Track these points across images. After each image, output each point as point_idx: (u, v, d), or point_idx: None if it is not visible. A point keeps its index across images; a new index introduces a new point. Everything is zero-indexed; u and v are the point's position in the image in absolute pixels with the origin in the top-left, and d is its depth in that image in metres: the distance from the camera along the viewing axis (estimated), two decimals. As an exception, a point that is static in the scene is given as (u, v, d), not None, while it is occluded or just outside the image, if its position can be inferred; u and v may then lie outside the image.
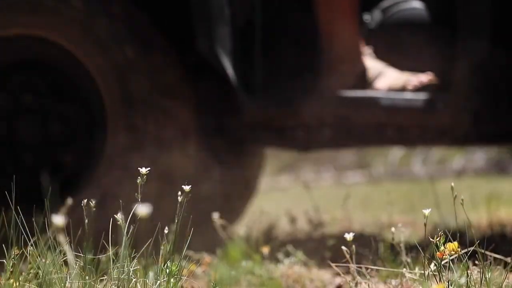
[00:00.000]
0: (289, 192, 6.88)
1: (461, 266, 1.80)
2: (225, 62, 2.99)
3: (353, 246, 1.94)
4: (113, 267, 1.78)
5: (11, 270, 1.80)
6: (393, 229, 2.10)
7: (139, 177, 1.82)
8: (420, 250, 1.87)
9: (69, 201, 2.37)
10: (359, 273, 2.04)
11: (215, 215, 2.86)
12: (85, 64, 3.02)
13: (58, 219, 1.60)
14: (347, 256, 1.97)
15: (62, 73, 3.13)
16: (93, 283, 1.76)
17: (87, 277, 1.76)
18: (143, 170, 1.81)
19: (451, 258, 1.82)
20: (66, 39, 3.02)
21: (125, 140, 2.98)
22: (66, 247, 1.70)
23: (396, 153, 8.84)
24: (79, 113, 3.15)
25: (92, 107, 3.11)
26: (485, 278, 1.83)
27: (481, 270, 1.85)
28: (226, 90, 3.06)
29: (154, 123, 2.99)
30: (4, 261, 1.82)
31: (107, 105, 3.01)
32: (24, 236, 1.82)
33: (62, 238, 1.67)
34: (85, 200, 1.85)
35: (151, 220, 1.66)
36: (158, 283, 1.81)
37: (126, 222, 1.77)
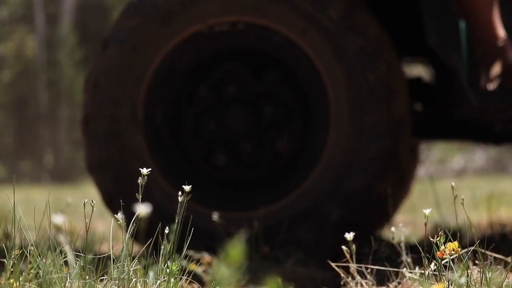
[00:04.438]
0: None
1: (461, 266, 1.80)
2: (453, 55, 2.98)
3: (353, 245, 1.94)
4: (113, 267, 1.78)
5: (11, 270, 1.80)
6: (393, 228, 2.10)
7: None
8: (420, 250, 1.87)
9: None
10: (359, 272, 2.04)
11: (215, 215, 2.86)
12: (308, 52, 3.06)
13: (58, 219, 1.60)
14: (347, 255, 1.97)
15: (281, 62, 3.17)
16: (93, 283, 1.76)
17: (87, 277, 1.76)
18: (144, 171, 1.81)
19: (451, 257, 1.82)
20: (287, 28, 3.05)
21: (350, 128, 3.02)
22: (67, 247, 1.71)
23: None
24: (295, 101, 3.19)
25: (309, 93, 3.15)
26: (485, 278, 1.83)
27: (481, 270, 1.85)
28: (453, 82, 3.06)
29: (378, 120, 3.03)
30: (5, 260, 1.82)
31: (330, 96, 3.03)
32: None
33: (62, 238, 1.67)
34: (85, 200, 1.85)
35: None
36: (158, 283, 1.81)
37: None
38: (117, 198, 3.04)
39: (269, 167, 3.17)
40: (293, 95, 3.17)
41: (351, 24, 3.02)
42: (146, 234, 1.80)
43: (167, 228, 1.82)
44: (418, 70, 3.98)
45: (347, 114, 3.00)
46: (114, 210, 3.09)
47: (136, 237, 1.80)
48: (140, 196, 1.79)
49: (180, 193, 1.86)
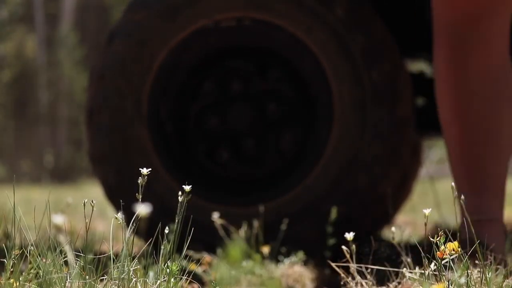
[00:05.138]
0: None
1: (461, 266, 1.80)
2: None
3: (353, 245, 1.94)
4: (113, 267, 1.78)
5: (11, 270, 1.80)
6: (393, 228, 2.10)
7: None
8: (420, 250, 1.87)
9: None
10: (359, 272, 2.04)
11: (215, 215, 2.86)
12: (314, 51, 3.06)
13: (58, 219, 1.60)
14: (347, 255, 1.97)
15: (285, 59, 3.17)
16: (93, 283, 1.76)
17: (87, 277, 1.76)
18: (144, 171, 1.81)
19: (451, 257, 1.82)
20: (293, 25, 3.05)
21: (353, 127, 3.01)
22: (67, 247, 1.70)
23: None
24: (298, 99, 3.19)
25: (311, 88, 3.14)
26: (485, 278, 1.83)
27: (481, 270, 1.85)
28: None
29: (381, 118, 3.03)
30: (5, 260, 1.82)
31: (334, 94, 3.03)
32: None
33: (62, 238, 1.67)
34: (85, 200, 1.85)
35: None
36: (158, 283, 1.81)
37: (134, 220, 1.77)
38: (119, 191, 3.04)
39: (272, 164, 3.17)
40: (297, 92, 3.17)
41: (357, 22, 3.02)
42: (147, 229, 1.80)
43: (167, 228, 1.82)
44: (420, 66, 3.98)
45: (351, 112, 3.00)
46: (115, 203, 3.09)
47: (138, 232, 1.80)
48: (141, 193, 1.79)
49: (181, 191, 1.86)
